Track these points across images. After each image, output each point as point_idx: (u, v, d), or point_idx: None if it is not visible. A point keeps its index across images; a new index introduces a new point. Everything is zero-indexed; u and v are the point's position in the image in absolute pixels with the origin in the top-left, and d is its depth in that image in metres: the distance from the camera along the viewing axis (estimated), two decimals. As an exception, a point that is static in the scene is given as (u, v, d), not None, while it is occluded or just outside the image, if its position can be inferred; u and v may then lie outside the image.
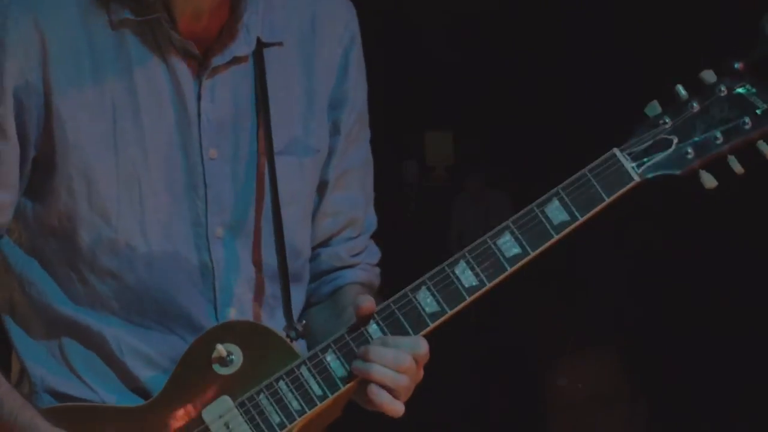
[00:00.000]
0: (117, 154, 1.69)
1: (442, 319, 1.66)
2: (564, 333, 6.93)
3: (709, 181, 1.66)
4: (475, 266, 1.65)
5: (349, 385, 1.66)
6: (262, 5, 1.75)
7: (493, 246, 1.66)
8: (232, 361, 1.69)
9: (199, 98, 1.71)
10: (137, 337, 1.73)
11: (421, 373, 1.69)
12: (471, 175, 10.02)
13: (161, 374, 1.72)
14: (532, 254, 1.65)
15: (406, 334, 1.66)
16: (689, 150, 1.65)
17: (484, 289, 1.66)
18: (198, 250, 1.73)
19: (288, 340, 1.73)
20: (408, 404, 1.70)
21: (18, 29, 1.64)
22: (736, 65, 1.64)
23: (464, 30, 10.60)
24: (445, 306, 1.65)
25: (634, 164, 1.65)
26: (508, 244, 1.66)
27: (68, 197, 1.69)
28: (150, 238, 1.71)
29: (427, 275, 1.66)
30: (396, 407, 1.66)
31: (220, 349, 1.68)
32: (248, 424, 1.67)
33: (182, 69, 1.71)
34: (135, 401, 1.72)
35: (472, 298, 1.65)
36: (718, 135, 1.65)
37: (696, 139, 1.65)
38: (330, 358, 1.66)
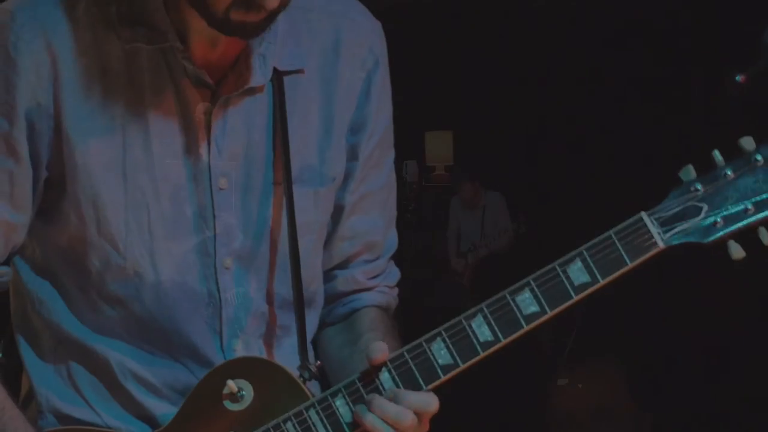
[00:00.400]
0: (126, 180, 1.68)
1: (454, 372, 1.65)
2: (565, 345, 6.93)
3: (736, 252, 1.63)
4: (492, 321, 1.64)
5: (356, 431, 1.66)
6: (281, 33, 1.72)
7: (511, 302, 1.64)
8: (242, 397, 1.68)
9: (209, 128, 1.69)
10: (142, 364, 1.72)
11: (426, 427, 1.68)
12: (464, 179, 10.01)
13: (165, 402, 1.72)
14: (550, 314, 1.63)
15: (417, 384, 1.65)
16: (719, 220, 1.62)
17: (498, 345, 1.65)
18: (206, 281, 1.72)
19: (300, 381, 1.72)
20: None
21: (30, 51, 1.63)
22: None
23: (465, 29, 10.59)
24: (458, 359, 1.64)
25: (660, 230, 1.62)
26: (527, 302, 1.63)
27: (78, 221, 1.68)
28: (158, 266, 1.70)
29: (444, 326, 1.65)
30: None
31: (231, 385, 1.67)
32: None
33: (194, 98, 1.69)
34: (140, 428, 1.72)
35: (486, 353, 1.65)
36: (750, 206, 1.62)
37: (727, 209, 1.62)
38: (339, 403, 1.65)
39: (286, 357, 1.76)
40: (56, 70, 1.64)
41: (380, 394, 1.64)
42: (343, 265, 1.87)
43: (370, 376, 1.65)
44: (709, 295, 6.48)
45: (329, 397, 1.66)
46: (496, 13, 10.30)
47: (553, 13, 10.06)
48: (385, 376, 1.65)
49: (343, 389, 1.66)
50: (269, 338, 1.78)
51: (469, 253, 9.80)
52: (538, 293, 1.63)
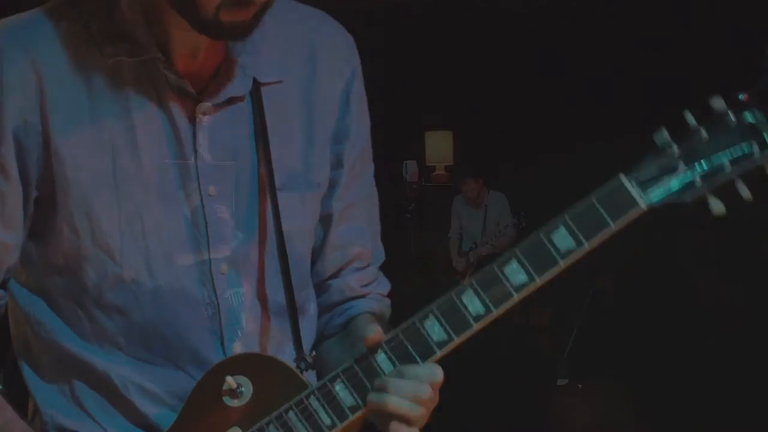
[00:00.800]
0: (117, 190, 1.70)
1: (450, 346, 1.66)
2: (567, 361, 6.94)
3: (717, 207, 1.63)
4: (482, 294, 1.64)
5: (357, 413, 1.66)
6: (259, 45, 1.76)
7: (500, 274, 1.64)
8: (242, 393, 1.69)
9: (195, 137, 1.73)
10: (144, 374, 1.73)
11: (437, 398, 1.69)
12: (467, 177, 10.03)
13: (169, 411, 1.72)
14: (539, 281, 1.63)
15: (414, 362, 1.65)
16: (697, 177, 1.63)
17: (491, 316, 1.65)
18: (203, 286, 1.74)
19: (298, 371, 1.73)
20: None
21: (15, 70, 1.65)
22: (741, 97, 1.63)
23: (464, 30, 10.60)
24: (452, 334, 1.65)
25: (640, 190, 1.63)
26: (515, 272, 1.64)
27: (72, 235, 1.70)
28: (156, 273, 1.71)
29: (435, 304, 1.66)
30: None
31: (230, 381, 1.68)
32: None
33: (178, 108, 1.72)
34: None
35: (479, 325, 1.65)
36: (726, 162, 1.62)
37: (704, 166, 1.63)
38: (339, 387, 1.66)
39: (284, 356, 1.77)
40: (42, 87, 1.66)
41: (378, 375, 1.65)
42: (336, 274, 1.89)
43: (366, 359, 1.66)
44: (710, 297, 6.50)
45: (328, 383, 1.67)
46: (496, 12, 10.31)
47: (553, 13, 10.07)
48: (381, 357, 1.66)
49: (341, 374, 1.66)
50: (269, 341, 1.80)
51: (471, 252, 9.81)
52: (526, 263, 1.63)
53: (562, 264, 1.63)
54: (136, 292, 1.71)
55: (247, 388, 1.69)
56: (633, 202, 1.61)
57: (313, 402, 1.67)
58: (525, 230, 10.03)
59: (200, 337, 1.73)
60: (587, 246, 1.62)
